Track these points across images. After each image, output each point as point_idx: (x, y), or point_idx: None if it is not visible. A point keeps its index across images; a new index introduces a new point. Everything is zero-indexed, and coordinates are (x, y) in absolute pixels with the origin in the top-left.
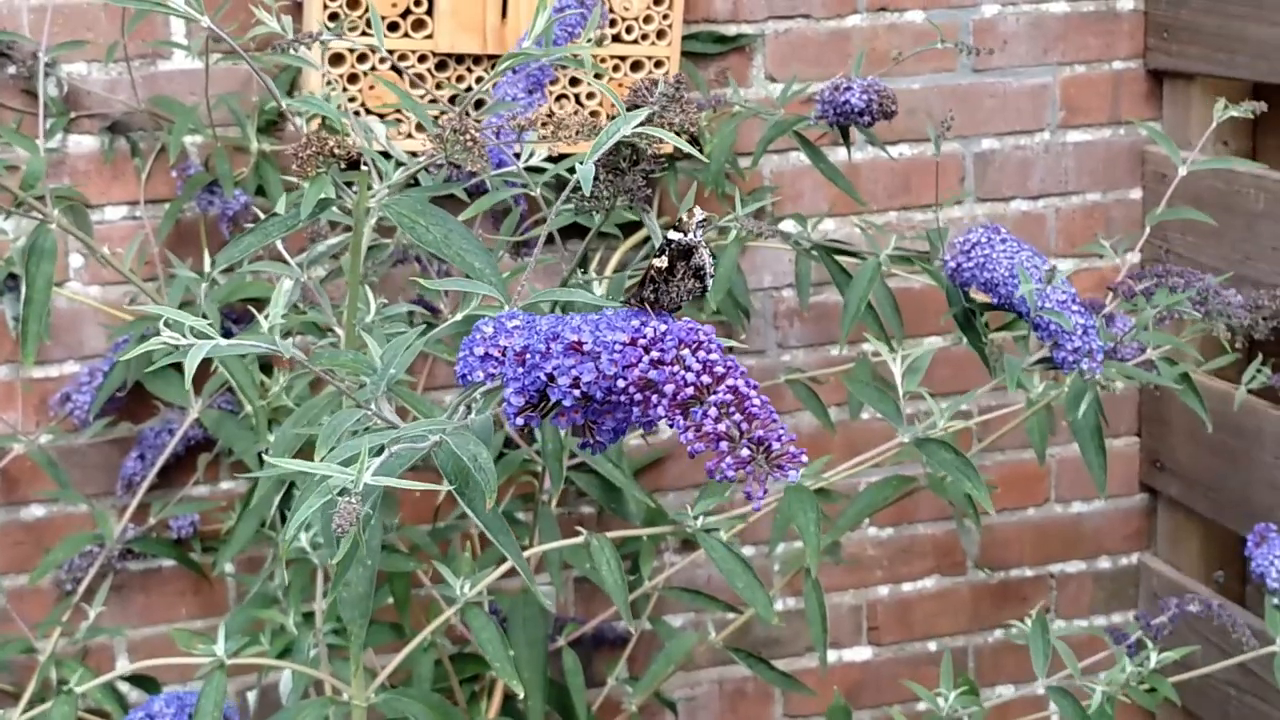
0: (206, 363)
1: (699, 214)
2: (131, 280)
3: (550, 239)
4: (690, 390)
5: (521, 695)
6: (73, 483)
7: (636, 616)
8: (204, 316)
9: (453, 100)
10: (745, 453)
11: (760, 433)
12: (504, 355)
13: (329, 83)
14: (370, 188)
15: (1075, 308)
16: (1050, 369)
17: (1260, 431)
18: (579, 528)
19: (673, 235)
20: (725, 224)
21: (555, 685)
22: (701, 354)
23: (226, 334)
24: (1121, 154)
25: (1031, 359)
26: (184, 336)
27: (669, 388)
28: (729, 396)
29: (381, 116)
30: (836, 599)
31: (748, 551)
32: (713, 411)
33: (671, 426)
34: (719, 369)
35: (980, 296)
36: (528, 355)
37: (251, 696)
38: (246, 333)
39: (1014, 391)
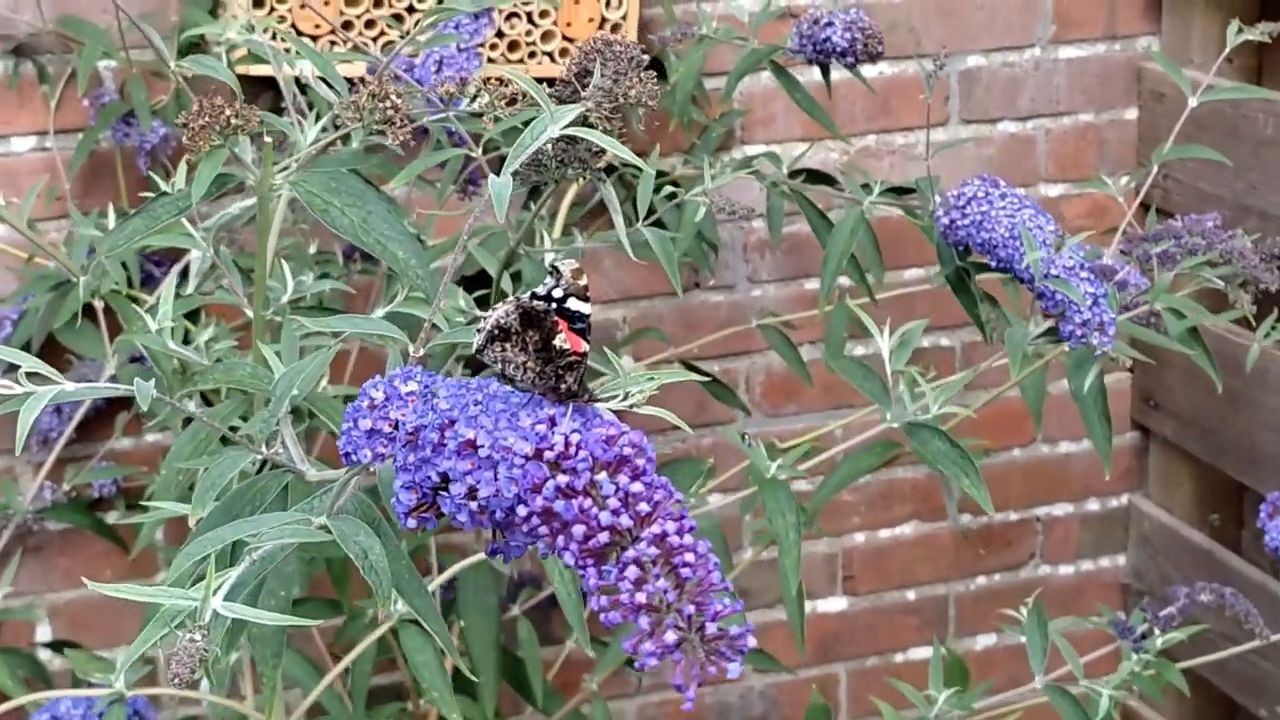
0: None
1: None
2: (27, 236)
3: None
4: (605, 536)
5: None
6: None
7: None
8: (105, 273)
9: (398, 19)
10: (671, 636)
11: (691, 606)
12: (395, 430)
13: (256, 1)
14: (286, 152)
15: (1084, 275)
16: (1055, 342)
17: (1266, 374)
18: None
19: (585, 308)
20: (695, 198)
21: (509, 655)
22: (623, 479)
23: (148, 279)
24: (1117, 71)
25: (1035, 332)
26: (18, 384)
27: (578, 529)
28: (653, 550)
29: (315, 39)
30: (809, 547)
31: (715, 500)
32: (632, 572)
33: (581, 577)
34: (643, 505)
35: (977, 256)
36: (420, 438)
37: None
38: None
39: (1016, 372)
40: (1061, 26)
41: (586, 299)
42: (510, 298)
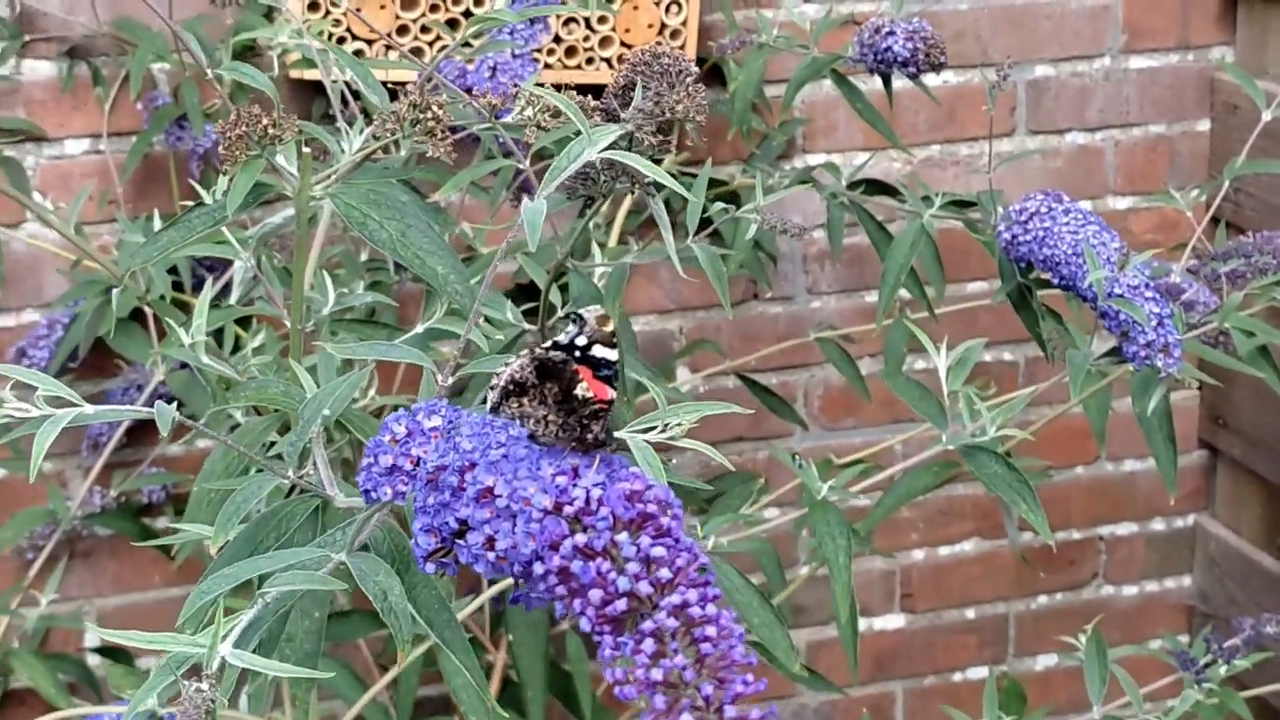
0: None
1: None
2: (72, 240)
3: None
4: (622, 603)
5: None
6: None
7: None
8: (150, 283)
9: (452, 25)
10: (688, 718)
11: (710, 686)
12: (417, 467)
13: (312, 4)
14: (333, 160)
15: (1149, 295)
16: (1119, 362)
17: None
18: None
19: (612, 354)
20: (746, 214)
21: (558, 669)
22: (645, 541)
23: (199, 284)
24: (1189, 81)
25: (1098, 351)
26: (35, 406)
27: (595, 594)
28: (673, 621)
29: (370, 43)
30: (866, 564)
31: (771, 514)
32: (649, 645)
33: (597, 643)
34: (664, 571)
35: (1039, 272)
36: (440, 480)
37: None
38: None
39: (1076, 394)
40: (1132, 36)
41: (614, 345)
42: (525, 350)
